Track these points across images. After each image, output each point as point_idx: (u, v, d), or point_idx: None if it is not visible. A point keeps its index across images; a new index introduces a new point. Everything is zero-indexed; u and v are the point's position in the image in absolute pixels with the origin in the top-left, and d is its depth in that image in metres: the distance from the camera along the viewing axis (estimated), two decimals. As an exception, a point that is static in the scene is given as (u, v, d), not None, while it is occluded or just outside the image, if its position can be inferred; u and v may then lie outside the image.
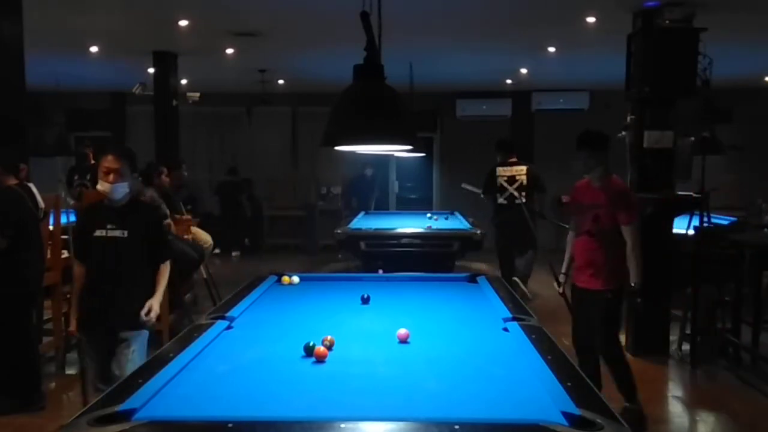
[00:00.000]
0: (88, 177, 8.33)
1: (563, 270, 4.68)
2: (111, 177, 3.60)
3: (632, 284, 4.28)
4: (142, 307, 3.66)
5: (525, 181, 7.76)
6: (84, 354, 3.92)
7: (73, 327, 3.82)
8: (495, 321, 3.30)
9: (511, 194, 7.73)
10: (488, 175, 8.00)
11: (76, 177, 8.80)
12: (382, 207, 12.21)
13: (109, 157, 3.63)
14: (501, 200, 7.77)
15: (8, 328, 4.62)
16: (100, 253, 3.66)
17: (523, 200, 7.68)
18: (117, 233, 3.65)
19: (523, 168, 7.86)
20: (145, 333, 3.73)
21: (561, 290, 4.66)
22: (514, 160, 7.97)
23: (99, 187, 3.67)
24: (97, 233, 3.67)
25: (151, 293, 3.75)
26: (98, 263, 3.68)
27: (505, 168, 7.87)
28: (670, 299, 6.22)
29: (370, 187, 12.03)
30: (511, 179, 7.80)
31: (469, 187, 8.40)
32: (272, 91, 11.06)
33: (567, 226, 4.67)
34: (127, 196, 3.70)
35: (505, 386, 2.39)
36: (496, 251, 8.23)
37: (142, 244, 3.71)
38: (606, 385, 4.32)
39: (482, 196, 8.14)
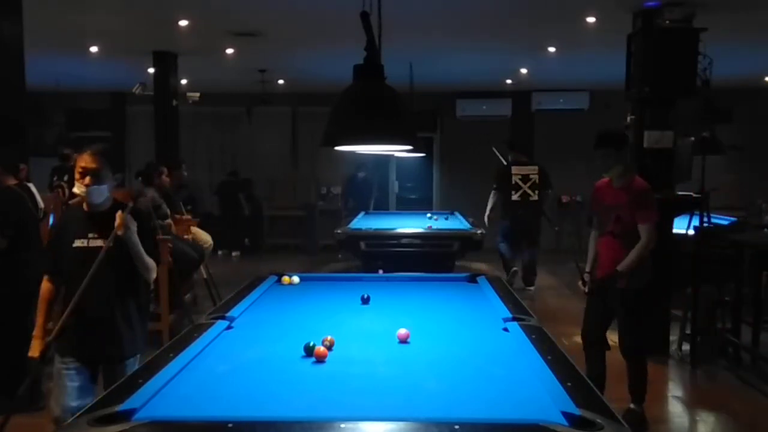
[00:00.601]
0: (66, 178, 8.14)
1: (587, 269, 4.65)
2: (87, 179, 3.16)
3: (617, 269, 4.24)
4: (133, 334, 3.27)
5: (537, 180, 8.42)
6: (19, 394, 3.37)
7: (35, 352, 3.24)
8: (495, 321, 3.30)
9: (525, 192, 8.42)
10: (502, 172, 8.61)
11: (55, 178, 8.53)
12: (382, 207, 12.21)
13: (85, 157, 3.20)
14: (515, 197, 8.40)
15: (8, 328, 4.62)
16: (80, 268, 3.11)
17: (537, 198, 8.40)
18: (100, 243, 3.16)
19: (536, 167, 8.60)
20: (137, 357, 3.30)
21: (586, 289, 4.63)
22: (525, 159, 8.64)
23: (75, 190, 3.26)
24: (77, 243, 3.20)
25: (144, 316, 3.35)
26: (79, 279, 3.10)
27: (519, 167, 8.54)
28: (670, 299, 6.22)
29: (366, 188, 12.02)
30: (525, 178, 8.44)
31: (498, 154, 9.13)
32: (272, 91, 11.06)
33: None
34: (109, 200, 3.27)
35: (505, 386, 2.39)
36: (498, 244, 8.58)
37: (131, 256, 3.22)
38: (606, 385, 4.32)
39: (493, 190, 8.67)
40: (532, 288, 8.55)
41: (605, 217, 4.42)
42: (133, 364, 3.22)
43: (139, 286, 3.36)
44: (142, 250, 3.23)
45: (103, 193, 3.23)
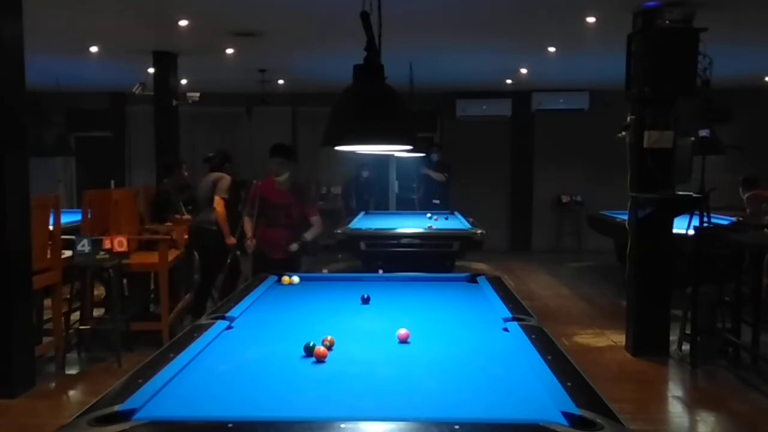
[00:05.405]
0: None
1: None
2: None
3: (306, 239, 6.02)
4: None
5: None
6: None
7: None
8: (495, 321, 3.30)
9: None
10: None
11: None
12: (382, 207, 12.21)
13: None
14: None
15: None
16: None
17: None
18: None
19: None
20: None
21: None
22: None
23: None
24: None
25: None
26: None
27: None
28: (670, 299, 6.22)
29: (368, 189, 12.01)
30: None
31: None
32: (272, 91, 11.05)
33: None
34: None
35: (505, 386, 2.38)
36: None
37: None
38: (606, 385, 4.32)
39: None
40: None
41: (274, 212, 5.82)
42: None
43: None
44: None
45: None
